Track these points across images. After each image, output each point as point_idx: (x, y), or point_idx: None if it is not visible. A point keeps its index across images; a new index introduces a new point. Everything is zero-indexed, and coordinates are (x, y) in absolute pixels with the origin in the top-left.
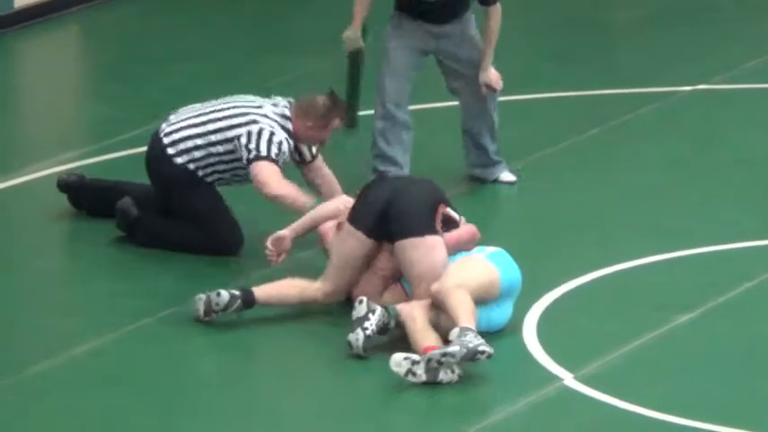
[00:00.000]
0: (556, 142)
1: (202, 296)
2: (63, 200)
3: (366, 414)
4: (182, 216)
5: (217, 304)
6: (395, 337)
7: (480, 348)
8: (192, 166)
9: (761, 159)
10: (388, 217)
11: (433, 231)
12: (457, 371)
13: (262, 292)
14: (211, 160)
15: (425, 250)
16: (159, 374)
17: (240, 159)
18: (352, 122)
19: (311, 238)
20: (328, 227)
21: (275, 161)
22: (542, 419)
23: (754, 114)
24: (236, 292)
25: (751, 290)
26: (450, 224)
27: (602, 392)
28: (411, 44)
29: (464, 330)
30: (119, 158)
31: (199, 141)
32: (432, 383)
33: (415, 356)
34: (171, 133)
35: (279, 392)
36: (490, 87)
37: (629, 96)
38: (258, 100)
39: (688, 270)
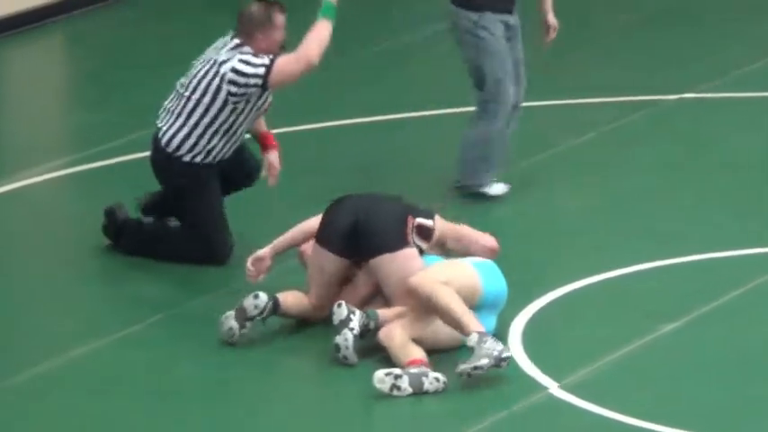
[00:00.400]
0: (546, 149)
1: (230, 313)
2: (52, 206)
3: (350, 423)
4: (181, 217)
5: (256, 307)
6: (375, 342)
7: (504, 356)
8: (209, 148)
9: (753, 164)
10: (358, 237)
11: (406, 244)
12: (442, 379)
13: (283, 297)
14: (224, 128)
15: (401, 263)
16: (150, 379)
17: (247, 104)
18: None
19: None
20: (309, 245)
21: (272, 60)
22: (528, 429)
23: (746, 119)
24: (269, 295)
25: (739, 297)
26: (424, 234)
27: (588, 401)
28: (504, 43)
29: (482, 337)
30: (109, 165)
31: (199, 130)
32: (418, 394)
33: (397, 370)
34: (171, 139)
35: (270, 398)
36: (553, 30)
37: (621, 103)
38: (206, 56)
39: (677, 277)
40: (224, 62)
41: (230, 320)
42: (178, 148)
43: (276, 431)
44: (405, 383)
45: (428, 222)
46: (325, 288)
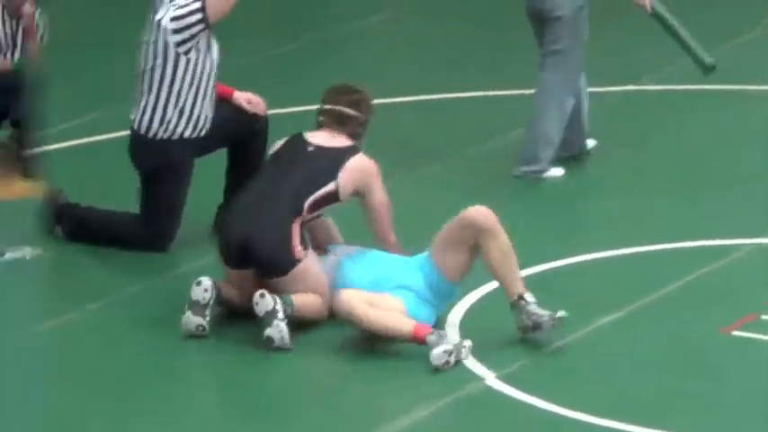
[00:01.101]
0: (488, 139)
1: (187, 313)
2: None
3: (287, 409)
4: (142, 199)
5: (205, 290)
6: (295, 326)
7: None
8: (180, 108)
9: (701, 156)
10: (250, 260)
11: (296, 261)
12: (468, 344)
13: (222, 285)
14: (186, 84)
15: (298, 281)
16: (93, 364)
17: (199, 53)
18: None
19: None
20: None
21: None
22: (464, 419)
23: (688, 114)
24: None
25: (675, 291)
26: (329, 201)
27: (524, 392)
28: None
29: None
30: (56, 150)
31: (164, 97)
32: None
33: (449, 346)
34: (141, 119)
35: (211, 383)
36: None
37: None
38: (147, 30)
39: (618, 268)
40: (161, 19)
41: (192, 318)
42: (149, 126)
43: (219, 415)
44: (453, 358)
45: (327, 189)
46: (244, 289)
